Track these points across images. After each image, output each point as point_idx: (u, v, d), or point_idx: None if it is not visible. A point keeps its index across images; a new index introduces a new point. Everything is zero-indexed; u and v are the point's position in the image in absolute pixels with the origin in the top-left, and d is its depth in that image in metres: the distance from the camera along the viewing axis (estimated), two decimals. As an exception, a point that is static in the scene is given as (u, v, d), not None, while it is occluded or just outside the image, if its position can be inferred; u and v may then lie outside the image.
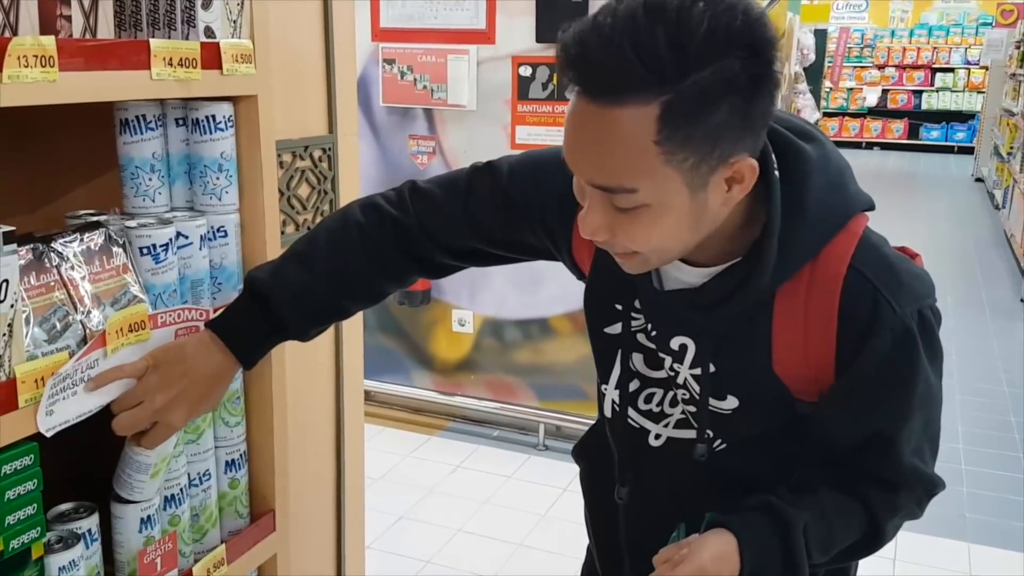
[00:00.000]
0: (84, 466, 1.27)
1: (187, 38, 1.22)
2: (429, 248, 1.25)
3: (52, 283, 1.09)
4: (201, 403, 1.18)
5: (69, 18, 1.10)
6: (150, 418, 1.13)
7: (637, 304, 1.15)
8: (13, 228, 0.98)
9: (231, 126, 1.31)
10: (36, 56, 0.99)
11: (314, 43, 1.79)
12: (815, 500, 1.08)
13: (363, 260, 1.23)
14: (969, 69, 14.82)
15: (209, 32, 1.24)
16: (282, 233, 1.68)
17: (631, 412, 1.20)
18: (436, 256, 1.26)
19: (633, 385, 1.19)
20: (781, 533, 1.04)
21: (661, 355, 1.14)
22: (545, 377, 3.84)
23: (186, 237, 1.25)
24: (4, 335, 0.98)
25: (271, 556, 1.47)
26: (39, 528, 1.06)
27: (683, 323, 1.10)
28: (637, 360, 1.17)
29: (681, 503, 1.15)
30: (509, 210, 1.21)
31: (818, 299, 1.02)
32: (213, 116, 1.28)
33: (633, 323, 1.16)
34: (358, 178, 1.99)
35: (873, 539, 1.11)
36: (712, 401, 1.10)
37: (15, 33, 1.03)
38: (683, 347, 1.11)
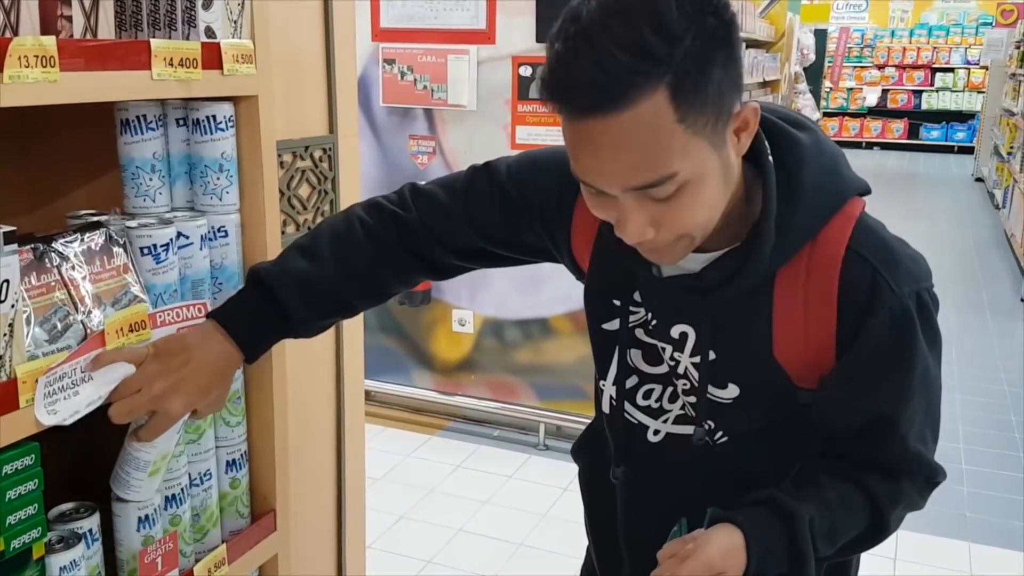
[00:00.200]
0: (85, 466, 1.27)
1: (188, 38, 1.22)
2: (432, 247, 1.25)
3: (53, 283, 1.09)
4: (201, 395, 1.14)
5: (70, 18, 1.10)
6: (147, 406, 1.10)
7: (636, 297, 1.15)
8: (14, 228, 0.98)
9: (232, 126, 1.31)
10: (37, 56, 0.99)
11: (314, 43, 1.79)
12: (819, 492, 1.07)
13: (368, 253, 1.23)
14: (969, 69, 14.83)
15: (210, 32, 1.24)
16: (282, 233, 1.68)
17: (629, 408, 1.20)
18: (440, 255, 1.26)
19: (631, 381, 1.19)
20: (787, 527, 1.04)
21: (661, 346, 1.14)
22: (545, 377, 3.84)
23: (187, 237, 1.26)
24: (5, 335, 0.98)
25: (272, 556, 1.47)
26: (40, 528, 1.06)
27: (683, 310, 1.10)
28: (635, 356, 1.18)
29: (680, 500, 1.15)
30: (508, 208, 1.22)
31: (817, 281, 1.03)
32: (214, 116, 1.28)
33: (631, 318, 1.16)
34: (358, 178, 2.00)
35: (878, 530, 1.10)
36: (713, 390, 1.10)
37: (16, 33, 1.03)
38: (683, 335, 1.11)
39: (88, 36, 1.13)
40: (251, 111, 1.33)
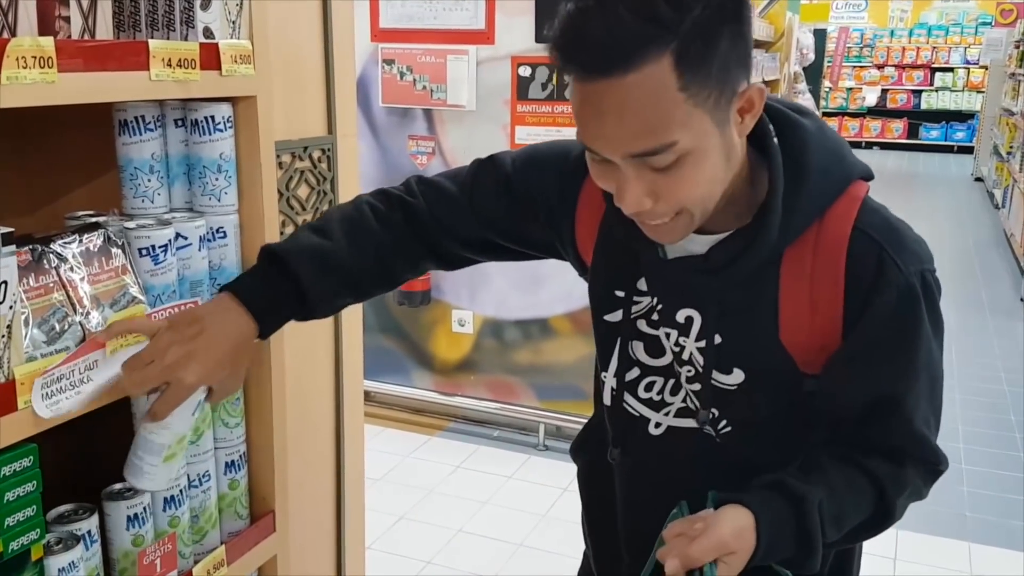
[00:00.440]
0: (84, 467, 1.27)
1: (186, 39, 1.22)
2: (439, 236, 1.25)
3: (51, 284, 1.09)
4: (216, 367, 1.09)
5: (68, 19, 1.10)
6: (160, 376, 1.06)
7: (641, 286, 1.15)
8: (12, 229, 0.98)
9: (230, 127, 1.31)
10: (35, 57, 0.99)
11: (313, 44, 1.79)
12: (825, 477, 1.07)
13: (377, 236, 1.22)
14: (968, 68, 14.83)
15: (208, 33, 1.24)
16: (281, 234, 1.68)
17: (630, 400, 1.20)
18: (447, 245, 1.26)
19: (633, 373, 1.19)
20: (796, 511, 1.03)
21: (666, 331, 1.13)
22: (545, 377, 3.84)
23: (185, 238, 1.25)
24: (3, 337, 0.98)
25: (271, 557, 1.47)
26: (38, 530, 1.06)
27: (689, 293, 1.10)
28: (637, 348, 1.18)
29: (682, 493, 1.14)
30: (513, 200, 1.23)
31: (824, 261, 1.04)
32: (212, 117, 1.28)
33: (634, 308, 1.16)
34: (357, 179, 1.99)
35: (883, 517, 1.10)
36: (717, 376, 1.10)
37: (14, 34, 1.03)
38: (689, 319, 1.11)
39: (86, 37, 1.13)
40: (250, 112, 1.33)
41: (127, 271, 1.18)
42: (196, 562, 1.33)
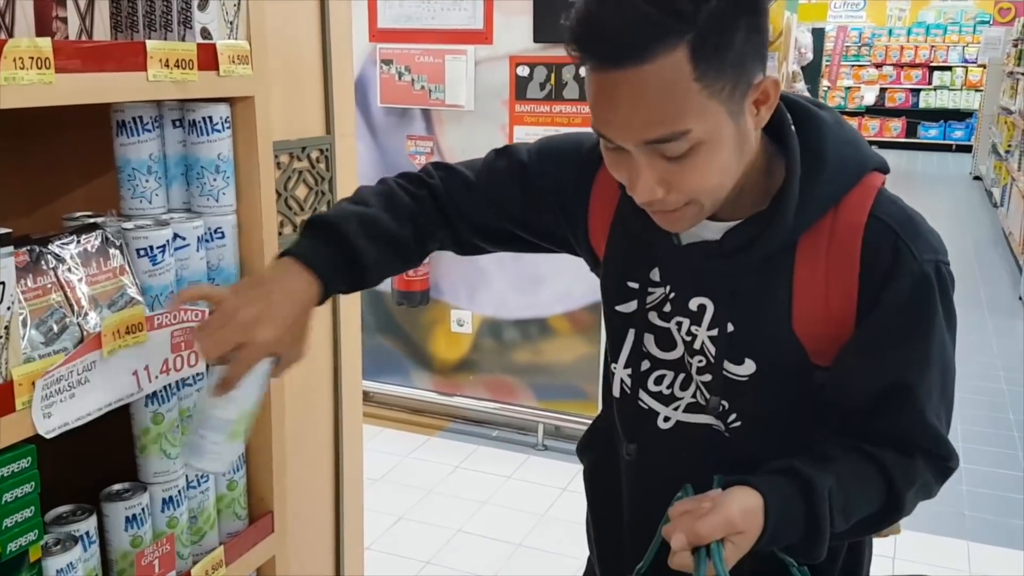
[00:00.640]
0: (83, 468, 1.27)
1: (183, 39, 1.22)
2: (456, 219, 1.25)
3: (49, 285, 1.09)
4: (286, 328, 1.06)
5: (65, 20, 1.10)
6: (236, 336, 1.02)
7: (654, 276, 1.15)
8: (10, 230, 0.98)
9: (228, 127, 1.31)
10: (32, 58, 0.99)
11: (311, 44, 1.79)
12: (835, 466, 1.05)
13: (409, 205, 1.22)
14: (967, 67, 14.83)
15: (205, 33, 1.24)
16: (279, 234, 1.68)
17: (640, 393, 1.19)
18: (462, 228, 1.26)
19: (643, 366, 1.18)
20: (806, 496, 1.02)
21: (679, 320, 1.13)
22: (544, 377, 3.84)
23: (183, 239, 1.25)
24: (1, 338, 0.98)
25: (270, 558, 1.47)
26: (37, 531, 1.06)
27: (702, 280, 1.10)
28: (648, 340, 1.17)
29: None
30: (528, 190, 1.23)
31: (839, 247, 1.04)
32: (210, 117, 1.28)
33: (649, 298, 1.16)
34: (356, 179, 1.99)
35: (892, 510, 1.08)
36: (729, 366, 1.10)
37: (11, 35, 1.03)
38: (701, 308, 1.11)
39: (83, 37, 1.13)
40: (247, 112, 1.33)
41: (125, 272, 1.18)
42: (195, 563, 1.33)
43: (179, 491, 1.30)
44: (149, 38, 1.20)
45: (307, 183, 1.81)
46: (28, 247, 1.08)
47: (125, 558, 1.23)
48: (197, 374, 1.28)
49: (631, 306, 1.18)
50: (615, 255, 1.20)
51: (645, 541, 1.12)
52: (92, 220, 1.23)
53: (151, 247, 1.20)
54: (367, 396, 3.91)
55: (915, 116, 15.10)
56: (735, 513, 0.97)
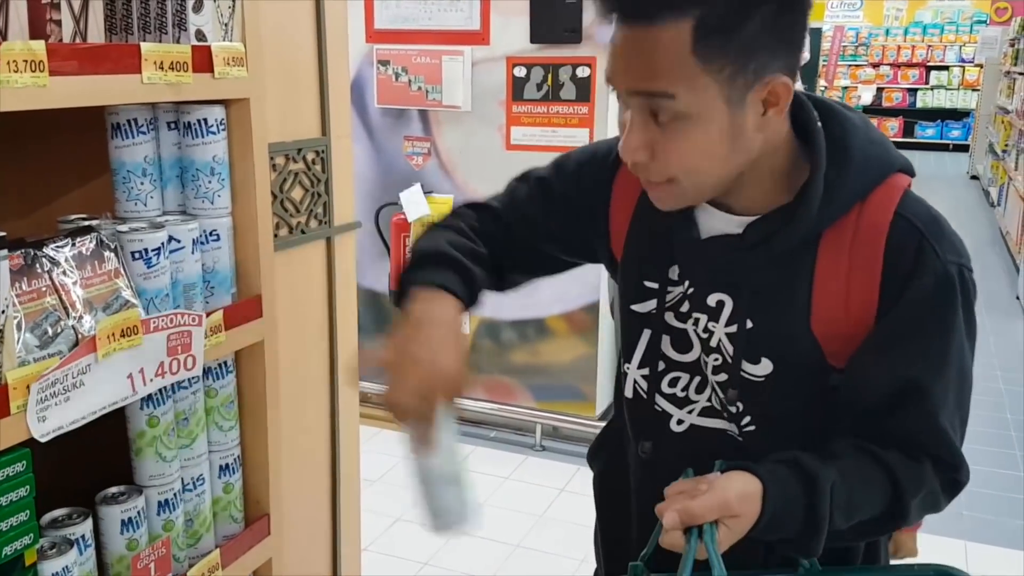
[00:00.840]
0: (78, 472, 1.26)
1: (178, 41, 1.21)
2: (493, 249, 1.24)
3: (44, 288, 1.08)
4: (461, 350, 1.05)
5: (59, 22, 1.10)
6: (428, 379, 1.01)
7: (672, 274, 1.15)
8: (4, 233, 0.98)
9: (223, 129, 1.30)
10: (26, 61, 0.98)
11: (307, 45, 1.78)
12: (840, 464, 1.03)
13: (467, 236, 1.23)
14: (964, 67, 14.84)
15: (200, 35, 1.24)
16: (275, 236, 1.68)
17: (654, 395, 1.18)
18: (502, 259, 1.25)
19: (658, 367, 1.17)
20: (807, 488, 1.00)
21: (696, 316, 1.12)
22: (542, 378, 3.83)
23: (178, 241, 1.25)
24: (-5, 341, 0.98)
25: (266, 560, 1.47)
26: (32, 534, 1.06)
27: (721, 275, 1.10)
28: (664, 342, 1.16)
29: None
30: (551, 199, 1.24)
31: (864, 244, 1.04)
32: (205, 119, 1.27)
33: (668, 297, 1.15)
34: (352, 180, 1.99)
35: (895, 516, 1.06)
36: (745, 366, 1.09)
37: (4, 38, 1.03)
38: (720, 303, 1.10)
39: (78, 40, 1.12)
40: (242, 114, 1.33)
41: (120, 274, 1.18)
42: (191, 566, 1.32)
43: (175, 494, 1.29)
44: (144, 40, 1.20)
45: (303, 185, 1.81)
46: (23, 250, 1.08)
47: (121, 561, 1.23)
48: (192, 377, 1.28)
49: (648, 306, 1.17)
50: (633, 255, 1.20)
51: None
52: (87, 223, 1.22)
53: (146, 250, 1.20)
54: (364, 397, 3.90)
55: (912, 116, 15.10)
56: (732, 496, 0.96)
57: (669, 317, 1.16)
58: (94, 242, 1.16)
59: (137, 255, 1.20)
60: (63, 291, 1.10)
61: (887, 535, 1.18)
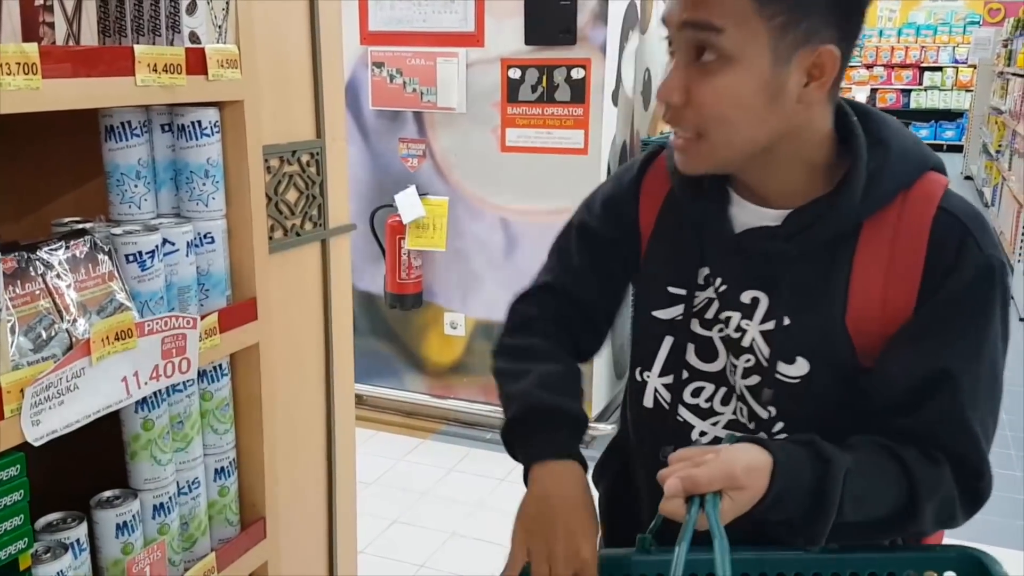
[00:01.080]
0: (73, 476, 1.26)
1: (172, 44, 1.21)
2: (578, 317, 1.25)
3: (37, 292, 1.08)
4: (593, 523, 1.07)
5: (52, 25, 1.10)
6: (571, 569, 1.03)
7: (701, 277, 1.12)
8: (-3, 237, 0.97)
9: (217, 131, 1.30)
10: (19, 63, 0.98)
11: (301, 47, 1.78)
12: (857, 455, 1.00)
13: (549, 349, 1.24)
14: (957, 68, 14.88)
15: (194, 37, 1.24)
16: (270, 239, 1.67)
17: (677, 405, 1.15)
18: (578, 332, 1.26)
19: (682, 376, 1.14)
20: (819, 470, 0.96)
21: (728, 314, 1.09)
22: (537, 379, 3.82)
23: (172, 244, 1.25)
24: (-12, 345, 0.98)
25: (262, 563, 1.46)
26: (26, 539, 1.06)
27: (756, 271, 1.08)
28: (688, 350, 1.14)
29: None
30: (594, 238, 1.23)
31: (906, 236, 1.03)
32: (199, 122, 1.27)
33: (696, 301, 1.12)
34: (346, 182, 1.99)
35: (908, 516, 1.03)
36: (781, 366, 1.06)
37: (-3, 40, 1.02)
38: (755, 300, 1.08)
39: (71, 43, 1.12)
40: (237, 116, 1.33)
41: (114, 277, 1.17)
42: (186, 569, 1.32)
43: (170, 497, 1.29)
44: (137, 43, 1.20)
45: (297, 187, 1.81)
46: (16, 253, 1.07)
47: (116, 565, 1.22)
48: (187, 380, 1.28)
49: (672, 312, 1.14)
50: (657, 259, 1.18)
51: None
52: (81, 226, 1.22)
53: (140, 252, 1.19)
54: (360, 399, 3.90)
55: (906, 116, 15.11)
56: (738, 466, 0.92)
57: (694, 324, 1.13)
58: (88, 245, 1.16)
59: (131, 258, 1.19)
60: (57, 294, 1.10)
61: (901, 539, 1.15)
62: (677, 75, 0.99)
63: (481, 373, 3.92)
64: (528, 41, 3.50)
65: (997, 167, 8.91)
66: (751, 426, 1.10)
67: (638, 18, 3.77)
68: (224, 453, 1.39)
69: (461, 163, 3.73)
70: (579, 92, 3.49)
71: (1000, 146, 9.06)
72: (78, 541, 1.17)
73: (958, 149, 14.03)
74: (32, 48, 0.99)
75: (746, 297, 1.09)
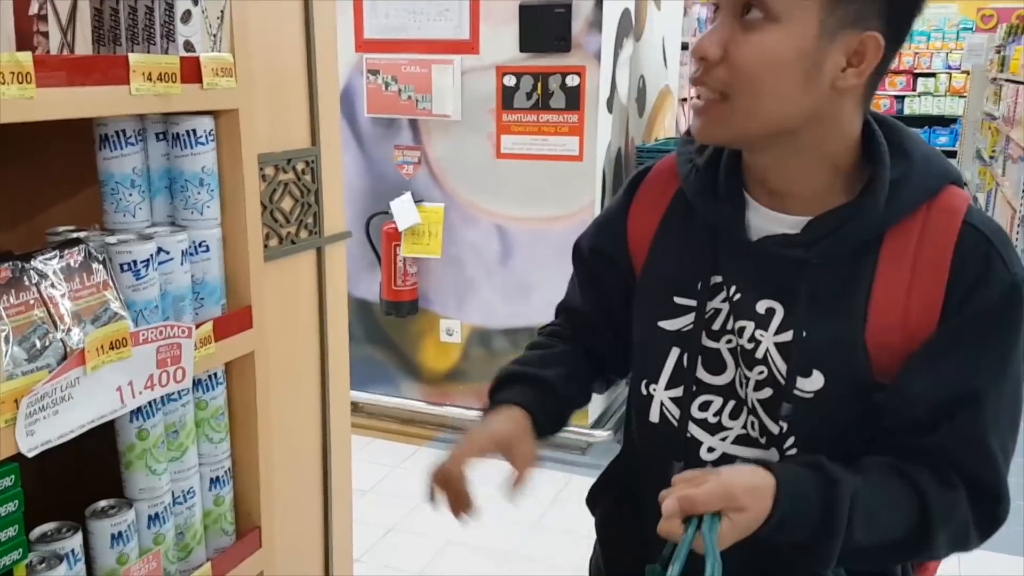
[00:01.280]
0: (68, 486, 1.25)
1: (166, 52, 1.21)
2: (599, 339, 1.27)
3: (32, 301, 1.08)
4: (520, 429, 1.20)
5: (46, 34, 1.10)
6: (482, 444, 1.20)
7: (712, 286, 1.09)
8: (-9, 246, 0.97)
9: (212, 140, 1.30)
10: (13, 73, 0.98)
11: (296, 55, 1.78)
12: (868, 475, 0.98)
13: (564, 355, 1.27)
14: (950, 73, 14.93)
15: (189, 46, 1.24)
16: (265, 247, 1.67)
17: (682, 418, 1.12)
18: (603, 354, 1.28)
19: (691, 388, 1.11)
20: (826, 491, 0.94)
21: (742, 324, 1.06)
22: (533, 386, 3.82)
23: (167, 252, 1.25)
24: (-18, 355, 0.97)
25: (258, 573, 1.46)
26: (21, 549, 1.05)
27: (772, 279, 1.04)
28: (695, 362, 1.10)
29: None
30: (602, 253, 1.24)
31: (930, 248, 1.00)
32: (194, 130, 1.27)
33: (707, 310, 1.09)
34: (342, 190, 1.99)
35: (920, 542, 1.00)
36: (798, 381, 1.03)
37: (-9, 50, 1.02)
38: (770, 311, 1.05)
39: (65, 52, 1.12)
40: (231, 124, 1.33)
41: (108, 287, 1.17)
42: (182, 579, 1.32)
43: (165, 507, 1.28)
44: (132, 51, 1.19)
45: (293, 195, 1.81)
46: (10, 263, 1.07)
47: (111, 574, 1.22)
48: (182, 389, 1.27)
49: (679, 323, 1.11)
50: (660, 269, 1.15)
51: None
52: (75, 235, 1.22)
53: (135, 261, 1.19)
54: (356, 407, 3.89)
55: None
56: (737, 487, 0.90)
57: (702, 335, 1.10)
58: (82, 254, 1.16)
59: (126, 267, 1.19)
60: (51, 304, 1.10)
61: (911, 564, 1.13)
62: (718, 31, 0.97)
63: (477, 380, 3.92)
64: (523, 48, 3.51)
65: (991, 172, 8.94)
66: (762, 441, 1.07)
67: (632, 25, 3.78)
68: (219, 462, 1.39)
69: (456, 170, 3.74)
70: (574, 99, 3.50)
71: (994, 152, 9.09)
72: (73, 552, 1.16)
73: (952, 155, 14.05)
74: (26, 57, 0.99)
75: (761, 307, 1.05)
